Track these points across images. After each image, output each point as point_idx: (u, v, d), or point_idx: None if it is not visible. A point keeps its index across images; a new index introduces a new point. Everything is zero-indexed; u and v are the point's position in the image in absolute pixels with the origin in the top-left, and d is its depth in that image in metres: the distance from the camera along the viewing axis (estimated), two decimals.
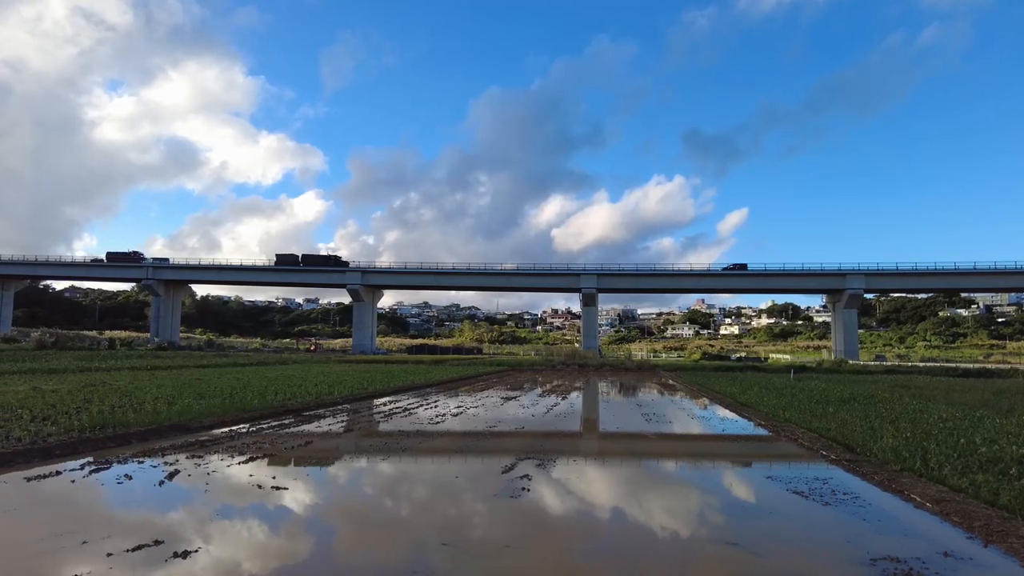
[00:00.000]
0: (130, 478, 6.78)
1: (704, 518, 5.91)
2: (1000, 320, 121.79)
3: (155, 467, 7.38)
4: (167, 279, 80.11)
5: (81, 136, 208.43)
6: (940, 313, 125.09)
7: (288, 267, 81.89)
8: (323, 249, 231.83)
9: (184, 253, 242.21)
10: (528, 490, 6.59)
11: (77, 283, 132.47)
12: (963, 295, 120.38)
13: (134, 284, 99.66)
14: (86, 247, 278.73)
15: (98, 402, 12.46)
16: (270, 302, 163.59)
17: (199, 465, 7.54)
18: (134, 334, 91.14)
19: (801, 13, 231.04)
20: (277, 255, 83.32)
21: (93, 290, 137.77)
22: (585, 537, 5.27)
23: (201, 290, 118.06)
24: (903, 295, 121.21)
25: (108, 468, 7.25)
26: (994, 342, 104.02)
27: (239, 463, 7.73)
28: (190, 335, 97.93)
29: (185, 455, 8.17)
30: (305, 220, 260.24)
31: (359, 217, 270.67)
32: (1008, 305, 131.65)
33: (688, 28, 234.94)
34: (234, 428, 10.78)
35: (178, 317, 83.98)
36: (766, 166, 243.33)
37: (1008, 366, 50.41)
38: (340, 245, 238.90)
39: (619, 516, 5.92)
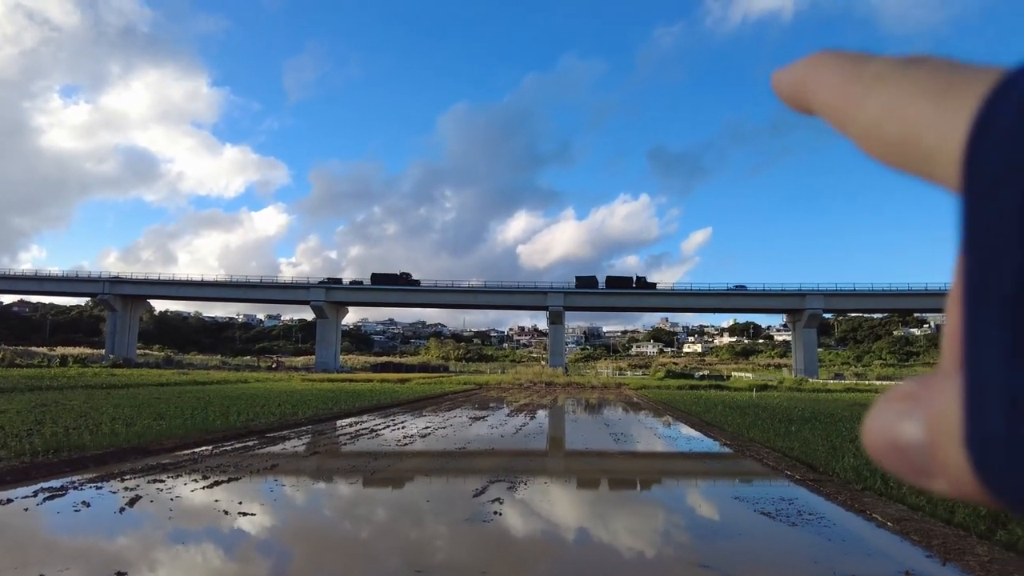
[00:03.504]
0: (88, 505, 6.54)
1: (675, 540, 5.97)
2: None
3: (115, 493, 7.13)
4: (124, 294, 77.89)
5: (29, 143, 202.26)
6: (895, 332, 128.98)
7: (250, 283, 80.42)
8: (283, 264, 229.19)
9: (139, 266, 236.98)
10: (500, 514, 6.57)
11: (26, 297, 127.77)
12: (916, 315, 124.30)
13: (88, 299, 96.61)
14: (34, 259, 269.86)
15: (51, 423, 11.98)
16: (231, 318, 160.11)
17: (162, 490, 7.32)
18: (88, 350, 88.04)
19: (767, 33, 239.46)
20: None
21: (44, 304, 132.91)
22: (559, 561, 5.28)
23: (160, 305, 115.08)
24: (860, 315, 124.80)
25: (64, 495, 6.98)
26: None
27: (204, 487, 7.53)
28: (147, 351, 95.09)
29: (146, 479, 7.93)
30: (266, 234, 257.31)
31: (321, 231, 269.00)
32: None
33: (655, 45, 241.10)
34: (197, 450, 10.50)
35: (135, 333, 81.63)
36: (730, 185, 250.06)
37: None
38: (301, 260, 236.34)
39: (592, 539, 5.94)
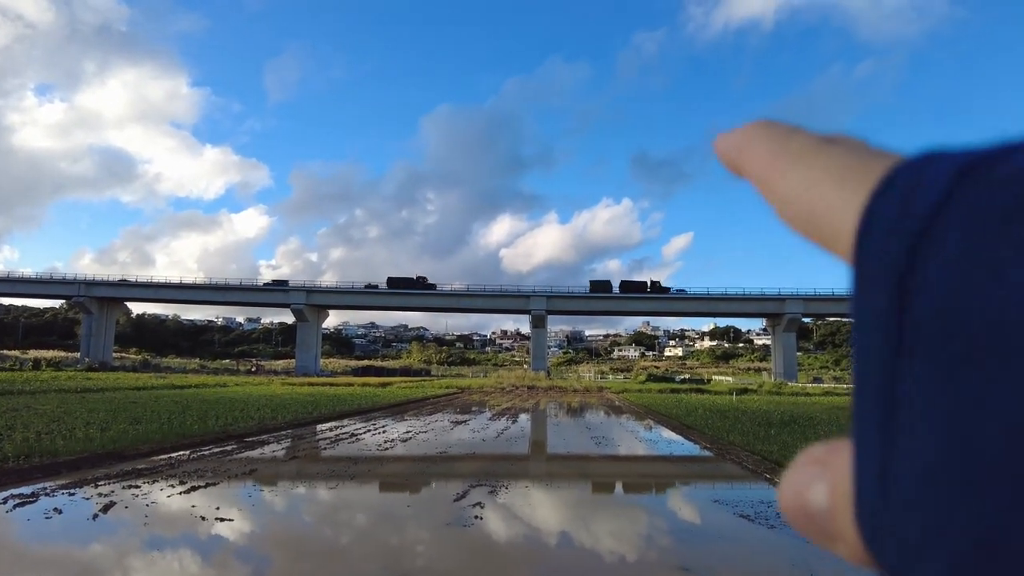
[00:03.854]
0: (60, 512, 6.41)
1: (656, 543, 6.00)
2: None
3: (88, 499, 7.01)
4: (100, 296, 76.57)
5: (2, 141, 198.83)
6: None
7: (230, 286, 79.55)
8: (263, 267, 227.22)
9: (114, 268, 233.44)
10: (481, 518, 6.55)
11: None
12: None
13: (63, 301, 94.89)
14: (5, 260, 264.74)
15: (22, 428, 11.74)
16: (209, 321, 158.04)
17: (137, 496, 7.21)
18: (62, 354, 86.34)
19: (747, 40, 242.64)
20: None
21: (16, 306, 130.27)
22: (540, 565, 5.28)
23: (137, 308, 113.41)
24: (839, 319, 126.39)
25: (35, 501, 6.84)
26: None
27: (180, 493, 7.42)
28: (124, 355, 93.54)
29: (121, 485, 7.79)
30: (246, 236, 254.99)
31: (302, 233, 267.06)
32: None
33: (638, 51, 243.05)
34: (174, 455, 10.34)
35: (111, 336, 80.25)
36: (712, 190, 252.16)
37: None
38: (282, 262, 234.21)
39: (572, 542, 5.95)
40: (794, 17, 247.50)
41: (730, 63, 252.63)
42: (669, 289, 79.35)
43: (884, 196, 0.24)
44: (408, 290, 78.35)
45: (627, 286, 79.17)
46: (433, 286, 79.85)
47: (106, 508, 6.57)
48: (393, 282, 79.59)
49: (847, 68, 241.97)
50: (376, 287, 79.71)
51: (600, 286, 79.45)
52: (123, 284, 78.62)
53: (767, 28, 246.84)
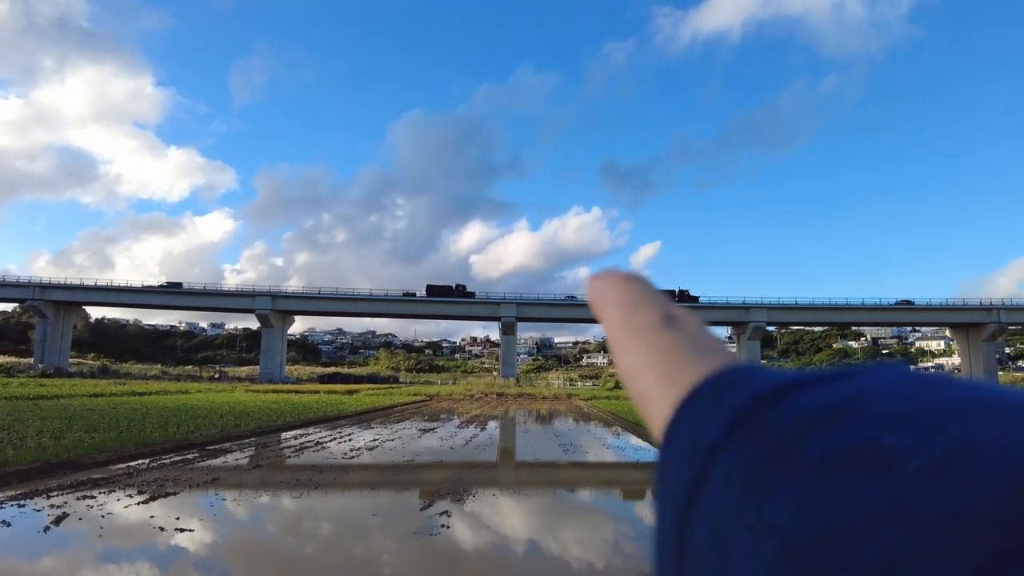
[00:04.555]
0: (8, 525, 6.17)
1: (621, 550, 6.03)
2: (884, 352, 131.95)
3: (39, 511, 6.76)
4: (56, 300, 74.20)
5: None
6: (834, 345, 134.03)
7: (193, 290, 77.85)
8: (228, 271, 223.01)
9: (72, 271, 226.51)
10: (448, 527, 6.51)
11: None
12: (853, 328, 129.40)
13: (16, 305, 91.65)
14: None
15: None
16: (172, 326, 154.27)
17: (92, 507, 6.98)
18: (14, 359, 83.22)
19: (715, 52, 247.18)
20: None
21: None
22: (507, 573, 5.26)
23: (96, 312, 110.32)
24: (802, 328, 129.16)
25: None
26: None
27: (139, 503, 7.22)
28: (82, 361, 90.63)
29: (76, 496, 7.55)
30: (211, 240, 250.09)
31: (268, 238, 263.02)
32: (891, 338, 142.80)
33: (607, 61, 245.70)
34: (132, 464, 10.07)
35: (68, 341, 77.72)
36: (679, 199, 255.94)
37: None
38: (247, 267, 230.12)
39: (540, 551, 5.95)
40: (761, 31, 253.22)
41: (698, 74, 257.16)
42: (698, 299, 79.07)
43: (680, 420, 0.25)
44: (446, 298, 77.30)
45: (433, 290, 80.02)
46: (472, 294, 79.06)
47: (58, 520, 6.35)
48: (432, 290, 78.72)
49: (812, 82, 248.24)
50: (414, 295, 78.77)
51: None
52: (81, 288, 76.30)
53: (734, 41, 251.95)
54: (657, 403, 0.28)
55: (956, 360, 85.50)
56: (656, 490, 0.25)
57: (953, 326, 77.42)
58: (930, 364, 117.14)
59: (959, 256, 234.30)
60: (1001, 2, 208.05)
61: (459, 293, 78.91)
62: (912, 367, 0.24)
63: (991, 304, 73.48)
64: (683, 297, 78.07)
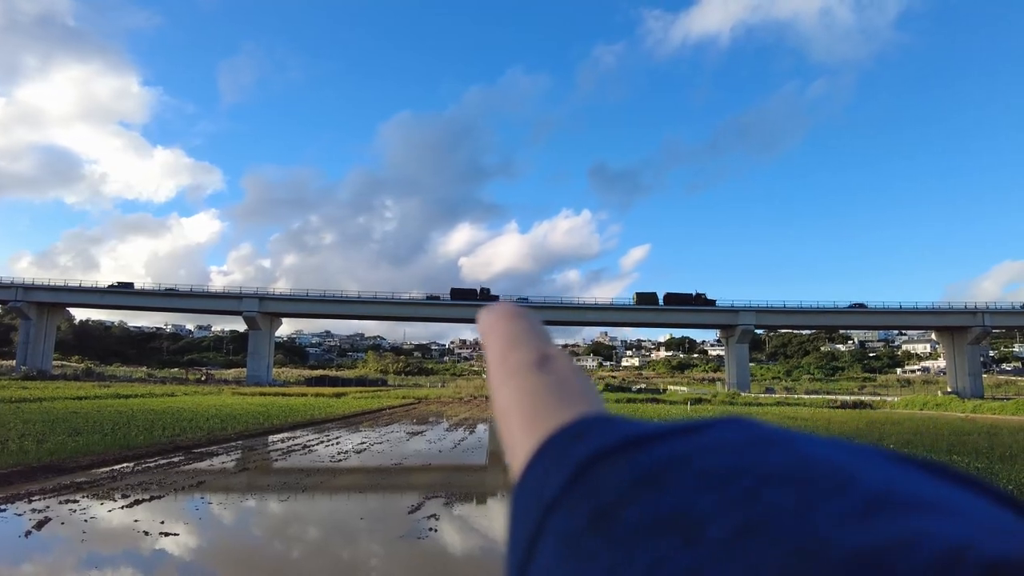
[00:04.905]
0: None
1: None
2: (871, 355, 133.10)
3: (21, 515, 6.66)
4: (40, 301, 73.31)
5: None
6: (822, 348, 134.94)
7: (179, 292, 77.22)
8: (214, 272, 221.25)
9: (55, 272, 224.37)
10: (435, 530, 6.48)
11: None
12: (841, 332, 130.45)
13: None
14: None
15: None
16: (158, 328, 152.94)
17: (75, 511, 6.89)
18: None
19: (705, 57, 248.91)
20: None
21: None
22: None
23: (80, 314, 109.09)
24: (790, 331, 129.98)
25: None
26: (867, 375, 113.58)
27: (123, 507, 7.13)
28: (65, 363, 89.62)
29: (58, 500, 7.44)
30: (197, 241, 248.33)
31: (255, 239, 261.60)
32: (878, 341, 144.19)
33: (597, 63, 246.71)
34: (117, 468, 9.94)
35: (52, 343, 76.77)
36: (668, 203, 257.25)
37: (878, 397, 55.06)
38: (233, 268, 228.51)
39: None
40: (750, 35, 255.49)
41: (688, 78, 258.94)
42: (715, 302, 78.41)
43: (530, 469, 0.25)
44: (469, 301, 76.74)
45: (671, 299, 78.19)
46: (496, 297, 78.62)
47: (40, 524, 6.26)
48: (456, 293, 78.27)
49: (801, 87, 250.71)
50: (438, 298, 78.28)
51: (646, 298, 78.96)
52: (64, 288, 75.43)
53: (723, 45, 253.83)
54: (518, 449, 0.28)
55: (942, 363, 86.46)
56: (506, 537, 0.25)
57: (939, 329, 78.22)
58: (917, 367, 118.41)
59: (946, 260, 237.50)
60: (986, 11, 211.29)
61: (483, 297, 78.45)
62: (764, 424, 0.24)
63: (976, 308, 74.36)
64: (699, 300, 78.20)
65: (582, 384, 0.30)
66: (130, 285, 77.77)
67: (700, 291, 78.88)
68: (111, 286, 76.98)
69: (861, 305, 77.93)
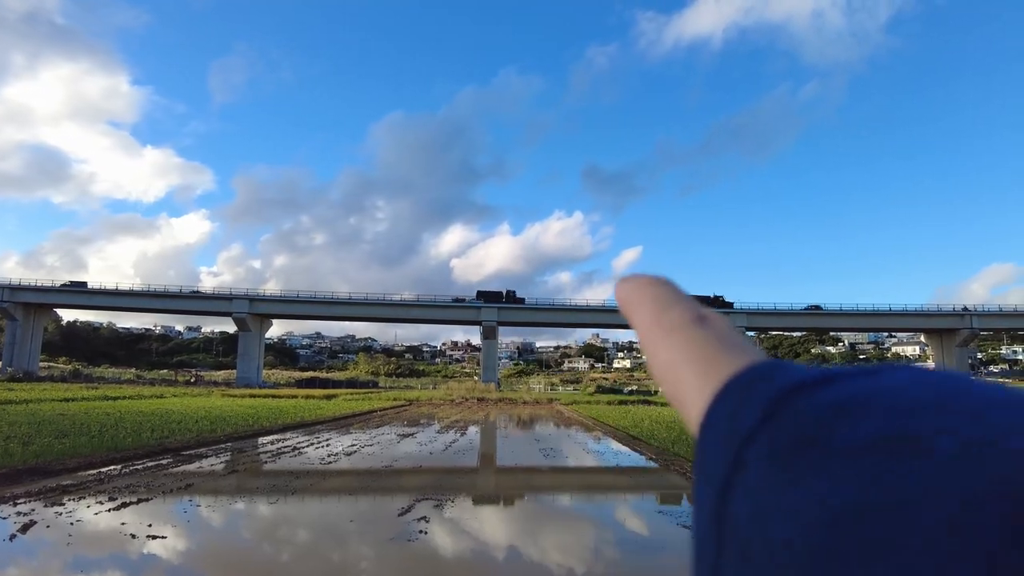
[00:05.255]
0: None
1: (600, 555, 6.02)
2: (861, 357, 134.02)
3: (5, 519, 6.58)
4: (26, 301, 72.60)
5: None
6: (812, 350, 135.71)
7: (169, 293, 76.72)
8: (204, 273, 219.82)
9: (42, 272, 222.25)
10: (425, 532, 6.46)
11: None
12: (831, 334, 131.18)
13: None
14: None
15: None
16: (147, 329, 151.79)
17: (61, 514, 6.81)
18: None
19: (698, 58, 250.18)
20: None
21: None
22: None
23: (68, 315, 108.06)
24: (781, 333, 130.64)
25: None
26: None
27: (109, 510, 7.06)
28: (52, 364, 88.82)
29: (43, 503, 7.37)
30: (187, 242, 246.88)
31: (245, 240, 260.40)
32: (868, 343, 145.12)
33: (590, 65, 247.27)
34: (104, 470, 9.85)
35: (38, 344, 76.03)
36: (661, 205, 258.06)
37: None
38: (223, 269, 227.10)
39: (518, 556, 5.92)
40: (743, 37, 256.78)
41: (681, 79, 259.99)
42: (732, 304, 78.88)
43: (716, 409, 0.26)
44: (497, 303, 76.48)
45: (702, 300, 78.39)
46: (522, 300, 78.43)
47: (25, 528, 6.19)
48: (483, 295, 78.04)
49: (793, 89, 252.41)
50: (463, 300, 77.83)
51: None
52: (52, 289, 74.74)
53: (716, 47, 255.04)
54: (692, 395, 0.29)
55: (931, 365, 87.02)
56: (695, 473, 0.26)
57: (928, 331, 78.90)
58: None
59: (937, 262, 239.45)
60: (974, 16, 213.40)
61: (509, 299, 78.38)
62: (929, 369, 0.25)
63: (964, 310, 75.05)
64: (716, 303, 78.43)
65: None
66: (83, 284, 76.56)
67: (718, 294, 79.51)
68: (63, 285, 75.61)
69: (817, 307, 78.97)
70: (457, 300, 78.43)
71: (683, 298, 0.36)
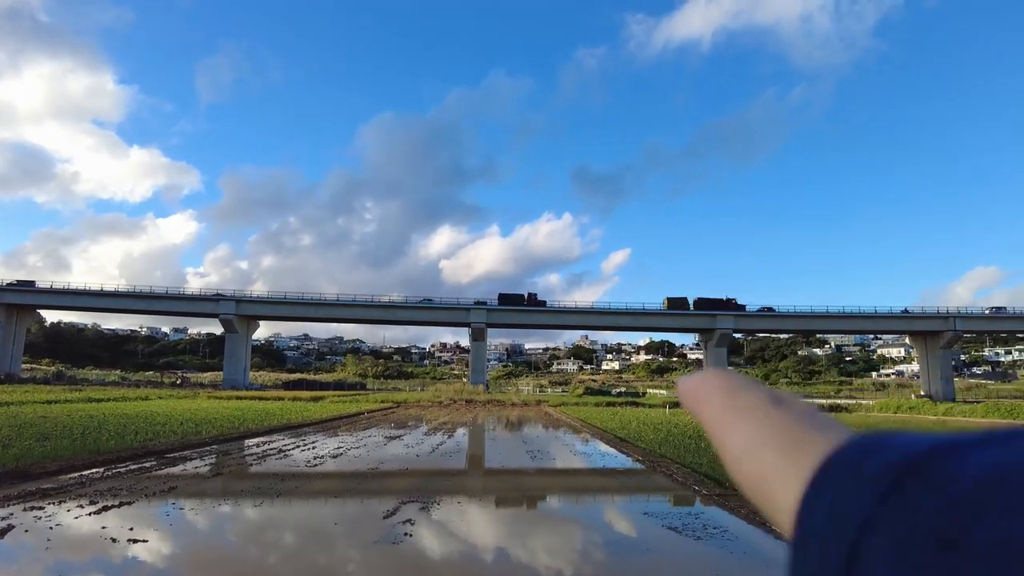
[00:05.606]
0: None
1: (587, 556, 6.02)
2: (847, 359, 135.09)
3: None
4: (8, 303, 71.63)
5: None
6: (799, 352, 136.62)
7: (155, 294, 75.99)
8: (190, 274, 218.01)
9: (23, 272, 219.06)
10: (411, 535, 6.43)
11: None
12: (818, 336, 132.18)
13: None
14: None
15: None
16: (132, 331, 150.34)
17: (40, 518, 6.72)
18: None
19: (686, 61, 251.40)
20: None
21: None
22: None
23: (52, 316, 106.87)
24: (768, 336, 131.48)
25: None
26: (843, 379, 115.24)
27: (90, 514, 6.97)
28: (35, 366, 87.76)
29: (22, 507, 7.26)
30: (173, 242, 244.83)
31: (232, 241, 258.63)
32: (854, 345, 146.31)
33: (579, 67, 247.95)
34: (86, 473, 9.73)
35: (21, 346, 74.97)
36: (650, 206, 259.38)
37: (854, 401, 55.95)
38: (210, 270, 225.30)
39: (504, 558, 5.91)
40: (731, 40, 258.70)
41: (670, 82, 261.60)
42: (744, 306, 78.78)
43: (816, 493, 0.24)
44: (517, 306, 75.97)
45: (701, 304, 78.07)
46: (543, 303, 77.95)
47: (3, 532, 6.10)
48: (504, 298, 77.48)
49: (781, 92, 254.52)
50: (485, 303, 77.18)
51: (677, 303, 79.16)
52: (34, 290, 73.78)
53: (705, 50, 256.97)
54: (779, 480, 0.27)
55: (916, 367, 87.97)
56: (794, 567, 0.24)
57: (912, 334, 79.64)
58: (891, 371, 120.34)
59: (923, 265, 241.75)
60: (961, 22, 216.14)
61: (531, 302, 77.92)
62: None
63: (948, 313, 75.82)
64: (730, 305, 78.73)
65: (827, 416, 0.29)
66: (31, 283, 74.85)
67: (731, 296, 79.87)
68: (9, 284, 73.61)
69: (770, 309, 79.45)
70: (479, 303, 77.43)
71: (754, 384, 0.35)
